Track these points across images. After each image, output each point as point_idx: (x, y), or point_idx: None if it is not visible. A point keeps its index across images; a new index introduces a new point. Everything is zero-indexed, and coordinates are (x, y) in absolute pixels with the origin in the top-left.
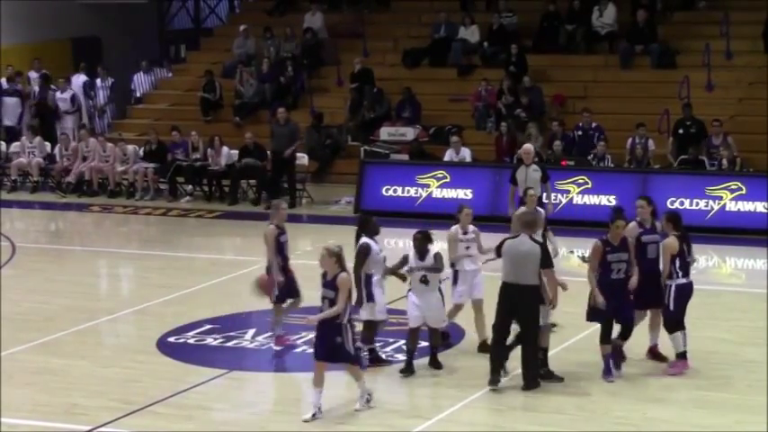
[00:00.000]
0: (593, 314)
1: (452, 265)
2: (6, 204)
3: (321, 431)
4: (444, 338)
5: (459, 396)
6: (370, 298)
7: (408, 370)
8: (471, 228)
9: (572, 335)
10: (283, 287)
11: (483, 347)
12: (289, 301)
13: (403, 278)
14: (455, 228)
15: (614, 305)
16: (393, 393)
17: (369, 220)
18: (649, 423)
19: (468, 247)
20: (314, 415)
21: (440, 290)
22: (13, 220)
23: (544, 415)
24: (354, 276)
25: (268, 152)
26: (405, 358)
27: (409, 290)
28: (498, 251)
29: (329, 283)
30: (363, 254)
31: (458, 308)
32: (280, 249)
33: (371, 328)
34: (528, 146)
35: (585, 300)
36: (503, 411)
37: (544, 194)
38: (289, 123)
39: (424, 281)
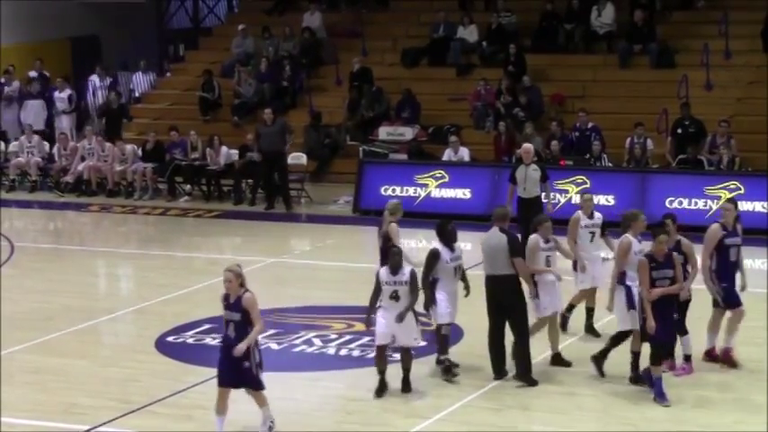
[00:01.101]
0: (646, 335)
1: (533, 276)
2: (5, 204)
3: (321, 431)
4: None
5: (458, 396)
6: (433, 301)
7: (381, 390)
8: (551, 237)
9: (569, 334)
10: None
11: (556, 360)
12: None
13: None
14: (535, 237)
15: (659, 326)
16: (392, 393)
17: (446, 226)
18: (649, 423)
19: (548, 257)
20: None
21: (412, 308)
22: (12, 220)
23: (543, 414)
24: (423, 280)
25: (254, 154)
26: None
27: (379, 306)
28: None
29: (234, 306)
30: (432, 259)
31: (543, 322)
32: None
33: (438, 332)
34: (528, 145)
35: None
36: (501, 411)
37: (543, 194)
38: (276, 121)
39: (395, 296)
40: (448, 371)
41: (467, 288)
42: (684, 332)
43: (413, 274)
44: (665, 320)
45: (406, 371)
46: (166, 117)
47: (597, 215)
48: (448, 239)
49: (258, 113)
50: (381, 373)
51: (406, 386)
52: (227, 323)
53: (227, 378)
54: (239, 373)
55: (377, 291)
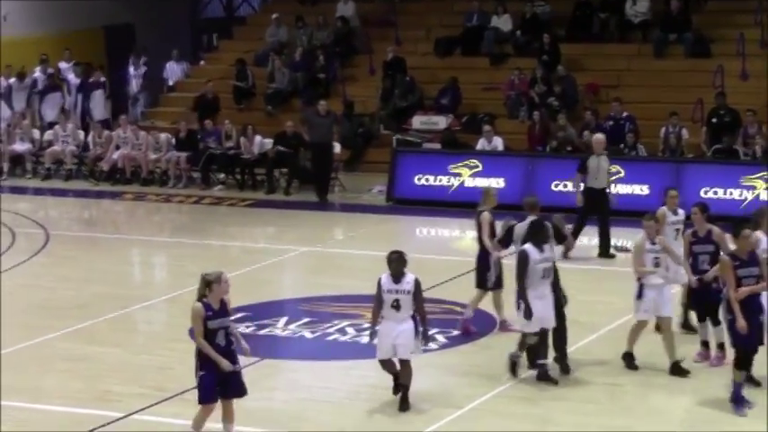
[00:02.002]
0: (734, 337)
1: (638, 278)
2: (41, 192)
3: (354, 419)
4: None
5: (491, 385)
6: (518, 307)
7: (399, 388)
8: (659, 237)
9: (604, 324)
10: (498, 275)
11: (675, 370)
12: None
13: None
14: (641, 237)
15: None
16: (425, 382)
17: (541, 227)
18: (686, 414)
19: (656, 258)
20: None
21: (413, 317)
22: (47, 208)
23: (577, 404)
24: (518, 286)
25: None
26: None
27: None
28: (508, 237)
29: (224, 311)
30: (522, 263)
31: (641, 326)
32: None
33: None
34: (599, 135)
35: (617, 290)
36: (535, 401)
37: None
38: (330, 114)
39: (396, 306)
40: (545, 377)
41: (563, 297)
42: (719, 322)
43: (417, 283)
44: (751, 321)
45: (405, 388)
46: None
47: (681, 212)
48: (538, 239)
49: (292, 102)
50: (395, 376)
51: (404, 404)
52: (215, 332)
53: (234, 387)
54: (238, 378)
55: (379, 300)
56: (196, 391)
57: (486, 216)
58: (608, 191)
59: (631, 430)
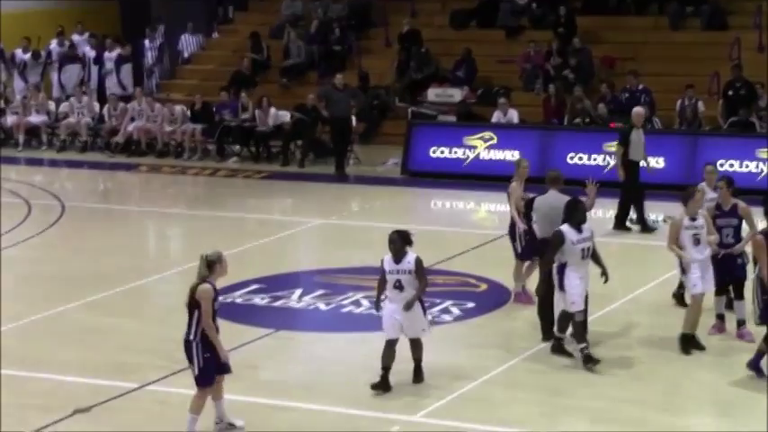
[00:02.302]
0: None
1: (680, 258)
2: (56, 164)
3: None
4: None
5: (504, 357)
6: (562, 287)
7: (382, 387)
8: (701, 212)
9: (619, 297)
10: (528, 245)
11: (692, 344)
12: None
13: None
14: (680, 214)
15: None
16: (439, 354)
17: (576, 206)
18: (698, 386)
19: (696, 235)
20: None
21: (419, 297)
22: (63, 180)
23: (589, 376)
24: (547, 264)
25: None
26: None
27: (384, 297)
28: (528, 210)
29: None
30: (556, 243)
31: (697, 301)
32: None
33: (566, 318)
34: (639, 108)
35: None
36: (547, 373)
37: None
38: (347, 87)
39: (399, 286)
40: (589, 359)
41: (604, 274)
42: (742, 296)
43: (418, 262)
44: None
45: (417, 360)
46: (215, 78)
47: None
48: (576, 219)
49: (307, 75)
50: (385, 369)
51: (418, 376)
52: (216, 313)
53: (225, 364)
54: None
55: (382, 280)
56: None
57: (512, 187)
58: (643, 165)
59: (644, 401)
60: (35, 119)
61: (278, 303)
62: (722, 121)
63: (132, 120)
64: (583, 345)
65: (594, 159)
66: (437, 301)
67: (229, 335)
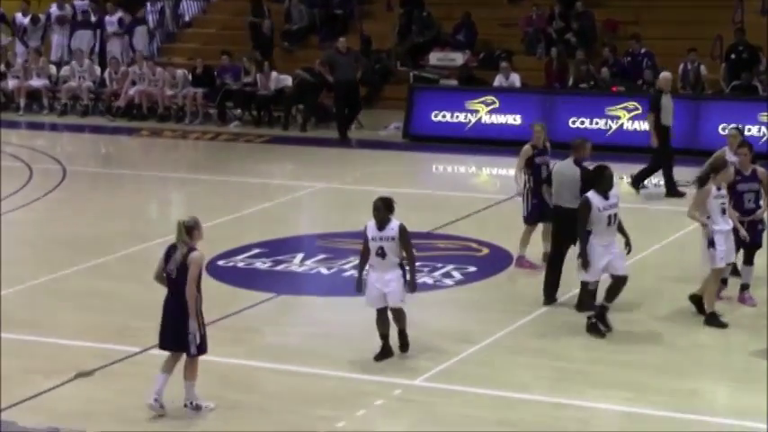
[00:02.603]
0: None
1: (704, 225)
2: (57, 128)
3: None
4: None
5: (507, 321)
6: (585, 256)
7: (385, 355)
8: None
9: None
10: (534, 209)
11: (710, 320)
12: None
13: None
14: (710, 184)
15: None
16: (442, 318)
17: (602, 173)
18: (700, 350)
19: (723, 204)
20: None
21: (401, 264)
22: (64, 144)
23: (590, 341)
24: (579, 233)
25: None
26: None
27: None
28: (548, 177)
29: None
30: (584, 211)
31: (718, 274)
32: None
33: (586, 290)
34: (666, 73)
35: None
36: (549, 337)
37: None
38: (351, 51)
39: (381, 253)
40: (593, 329)
41: (628, 244)
42: (752, 262)
43: (401, 228)
44: None
45: (402, 329)
46: (216, 42)
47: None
48: (603, 186)
49: (309, 39)
50: (383, 337)
51: (404, 346)
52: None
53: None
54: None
55: (365, 248)
56: (223, 324)
57: (523, 149)
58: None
59: (645, 363)
60: (36, 83)
61: (279, 267)
62: (724, 85)
63: (133, 84)
64: (590, 313)
65: (597, 123)
66: (439, 265)
67: (231, 298)
